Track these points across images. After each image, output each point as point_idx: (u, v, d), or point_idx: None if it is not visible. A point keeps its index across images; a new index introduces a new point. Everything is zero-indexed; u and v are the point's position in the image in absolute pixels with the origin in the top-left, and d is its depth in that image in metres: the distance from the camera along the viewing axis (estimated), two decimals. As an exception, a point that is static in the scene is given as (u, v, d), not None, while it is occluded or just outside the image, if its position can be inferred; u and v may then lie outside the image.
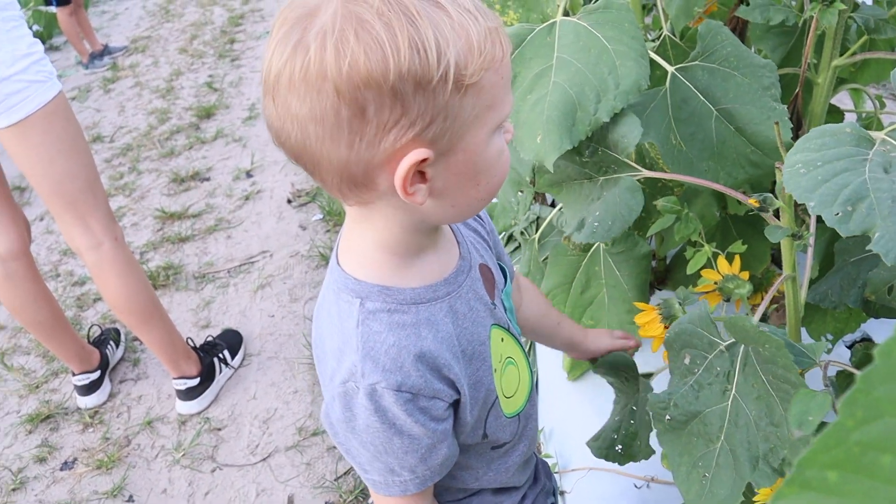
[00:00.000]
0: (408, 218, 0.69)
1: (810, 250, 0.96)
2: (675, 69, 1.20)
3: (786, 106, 1.28)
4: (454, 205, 0.68)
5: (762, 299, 1.40)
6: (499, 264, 0.89)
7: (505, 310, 0.85)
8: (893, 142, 0.75)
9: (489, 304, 0.80)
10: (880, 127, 1.49)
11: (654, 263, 1.73)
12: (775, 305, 1.40)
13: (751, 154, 1.18)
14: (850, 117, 1.62)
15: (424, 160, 0.61)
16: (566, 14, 1.12)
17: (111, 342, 2.35)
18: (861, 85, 1.56)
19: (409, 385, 0.69)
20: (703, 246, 1.23)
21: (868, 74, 1.61)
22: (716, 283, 1.21)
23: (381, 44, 0.56)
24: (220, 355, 2.22)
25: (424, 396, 0.70)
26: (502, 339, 0.81)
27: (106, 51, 5.39)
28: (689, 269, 1.23)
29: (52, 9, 5.11)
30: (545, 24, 1.09)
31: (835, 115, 1.56)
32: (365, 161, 0.61)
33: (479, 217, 0.90)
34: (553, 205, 1.86)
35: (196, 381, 2.12)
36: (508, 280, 0.90)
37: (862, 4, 1.41)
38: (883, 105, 1.62)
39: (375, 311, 0.70)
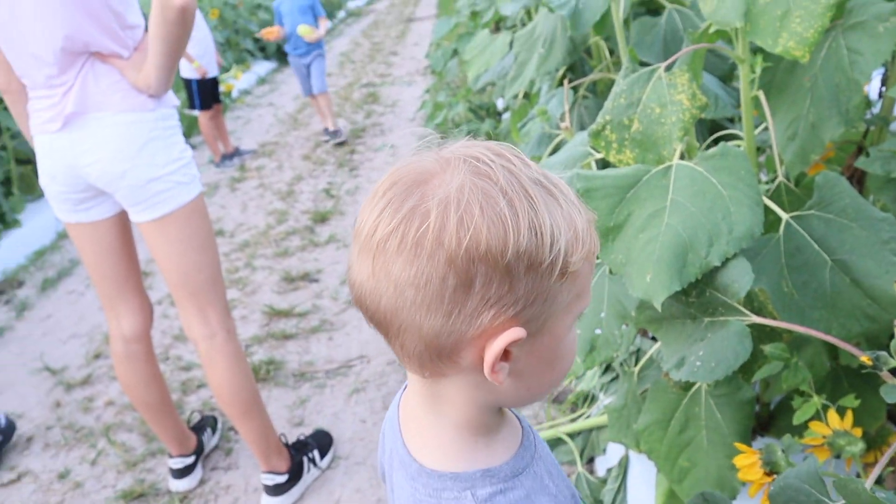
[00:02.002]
0: (482, 397, 0.67)
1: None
2: (790, 217, 1.21)
3: (905, 260, 1.26)
4: (529, 388, 0.67)
5: (876, 459, 1.33)
6: None
7: None
8: None
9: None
10: None
11: (757, 408, 1.67)
12: (892, 468, 1.33)
13: (867, 307, 1.16)
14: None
15: (517, 339, 0.60)
16: (682, 158, 1.17)
17: (209, 429, 2.44)
18: None
19: None
20: (811, 396, 1.20)
21: None
22: (825, 437, 1.17)
23: (504, 221, 0.57)
24: (310, 455, 2.25)
25: None
26: None
27: (236, 153, 5.82)
28: (796, 420, 1.19)
29: (195, 112, 5.61)
30: (661, 167, 1.13)
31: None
32: (458, 333, 0.60)
33: None
34: (655, 339, 1.84)
35: (284, 478, 2.15)
36: None
37: None
38: None
39: (490, 496, 0.67)
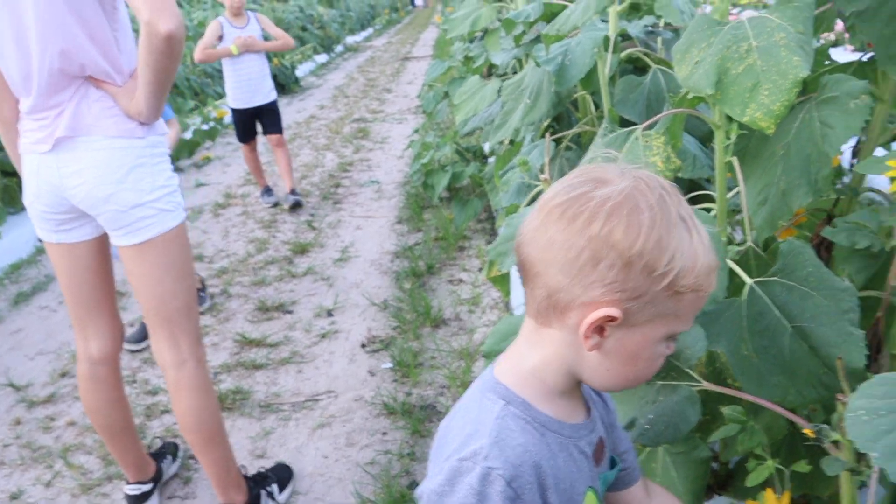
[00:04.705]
0: (570, 358, 0.82)
1: (872, 487, 0.94)
2: (754, 282, 1.23)
3: (866, 329, 1.28)
4: (609, 369, 0.82)
5: (827, 527, 1.33)
6: (611, 456, 0.97)
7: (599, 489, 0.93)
8: (960, 392, 0.75)
9: (594, 468, 0.90)
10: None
11: (716, 466, 1.68)
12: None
13: (823, 375, 1.18)
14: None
15: (613, 319, 0.76)
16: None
17: (169, 456, 2.40)
18: (949, 317, 1.54)
19: (519, 483, 0.77)
20: (766, 459, 1.21)
21: (957, 307, 1.59)
22: (776, 505, 1.17)
23: (640, 228, 0.74)
24: (269, 488, 2.22)
25: (523, 502, 0.78)
26: None
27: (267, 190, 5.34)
28: (749, 483, 1.20)
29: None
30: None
31: (919, 343, 1.54)
32: (573, 295, 0.77)
33: (609, 409, 1.00)
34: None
35: (241, 511, 2.12)
36: (614, 472, 0.98)
37: (950, 242, 1.42)
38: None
39: (515, 415, 0.82)
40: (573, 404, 0.88)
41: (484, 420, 0.81)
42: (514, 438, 0.79)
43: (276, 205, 5.27)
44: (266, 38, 5.06)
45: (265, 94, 5.02)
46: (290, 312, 3.57)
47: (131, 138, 1.76)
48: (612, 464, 0.97)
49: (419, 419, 2.58)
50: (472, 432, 0.81)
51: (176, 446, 2.47)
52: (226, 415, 2.71)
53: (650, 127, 1.44)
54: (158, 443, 2.47)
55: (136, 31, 1.65)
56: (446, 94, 5.75)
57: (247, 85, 4.89)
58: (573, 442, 0.86)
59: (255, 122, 5.08)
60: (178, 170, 6.29)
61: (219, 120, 7.76)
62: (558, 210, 0.77)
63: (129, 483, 2.23)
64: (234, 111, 5.04)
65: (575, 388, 0.88)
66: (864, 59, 1.49)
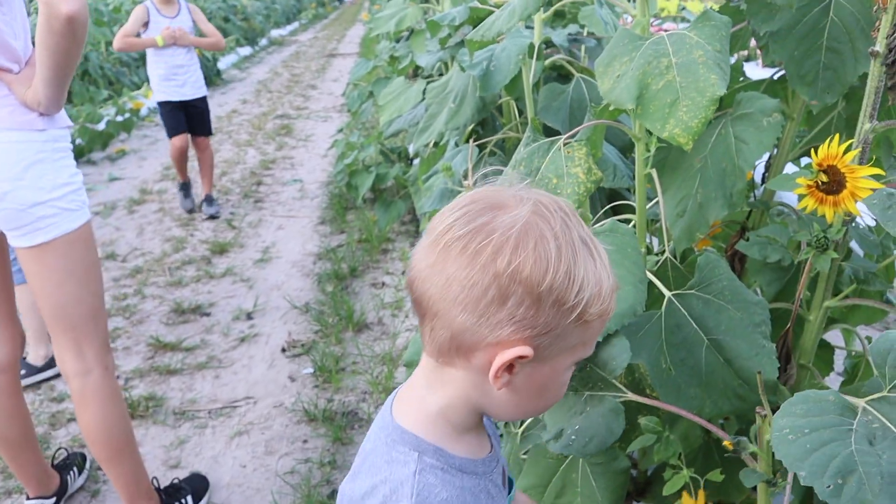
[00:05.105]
0: (475, 397, 0.78)
1: (787, 495, 0.96)
2: (672, 295, 1.25)
3: (777, 340, 1.32)
4: (517, 405, 0.79)
5: (738, 534, 1.37)
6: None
7: None
8: (874, 411, 0.78)
9: (505, 497, 0.88)
10: (868, 371, 1.52)
11: (635, 473, 1.71)
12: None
13: (738, 387, 1.21)
14: (839, 354, 1.66)
15: (525, 357, 0.72)
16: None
17: (74, 468, 2.29)
18: (851, 326, 1.61)
19: None
20: (681, 469, 1.23)
21: (858, 316, 1.67)
22: (692, 511, 1.20)
23: (549, 259, 0.69)
24: (183, 500, 2.14)
25: None
26: None
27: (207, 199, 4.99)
28: (666, 491, 1.22)
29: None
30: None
31: (825, 349, 1.60)
32: (479, 335, 0.71)
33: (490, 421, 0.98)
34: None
35: (152, 525, 2.03)
36: (513, 492, 0.96)
37: (854, 255, 1.48)
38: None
39: (432, 466, 0.77)
40: (479, 438, 0.85)
41: (399, 477, 0.75)
42: (437, 495, 0.74)
43: (191, 211, 4.95)
44: (196, 33, 4.74)
45: (195, 86, 4.67)
46: (207, 315, 3.46)
47: (30, 131, 1.65)
48: (510, 485, 0.96)
49: (341, 426, 2.54)
50: (388, 494, 0.74)
51: (83, 457, 2.36)
52: (138, 423, 2.60)
53: (572, 137, 1.45)
54: (63, 454, 2.35)
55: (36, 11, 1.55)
56: (371, 94, 5.69)
57: (174, 75, 4.55)
58: (487, 478, 0.82)
59: (184, 115, 4.73)
60: (91, 163, 6.04)
61: (135, 111, 7.47)
62: (458, 244, 0.70)
63: (29, 498, 2.12)
64: (161, 104, 4.66)
65: (479, 422, 0.85)
66: (776, 77, 1.54)
